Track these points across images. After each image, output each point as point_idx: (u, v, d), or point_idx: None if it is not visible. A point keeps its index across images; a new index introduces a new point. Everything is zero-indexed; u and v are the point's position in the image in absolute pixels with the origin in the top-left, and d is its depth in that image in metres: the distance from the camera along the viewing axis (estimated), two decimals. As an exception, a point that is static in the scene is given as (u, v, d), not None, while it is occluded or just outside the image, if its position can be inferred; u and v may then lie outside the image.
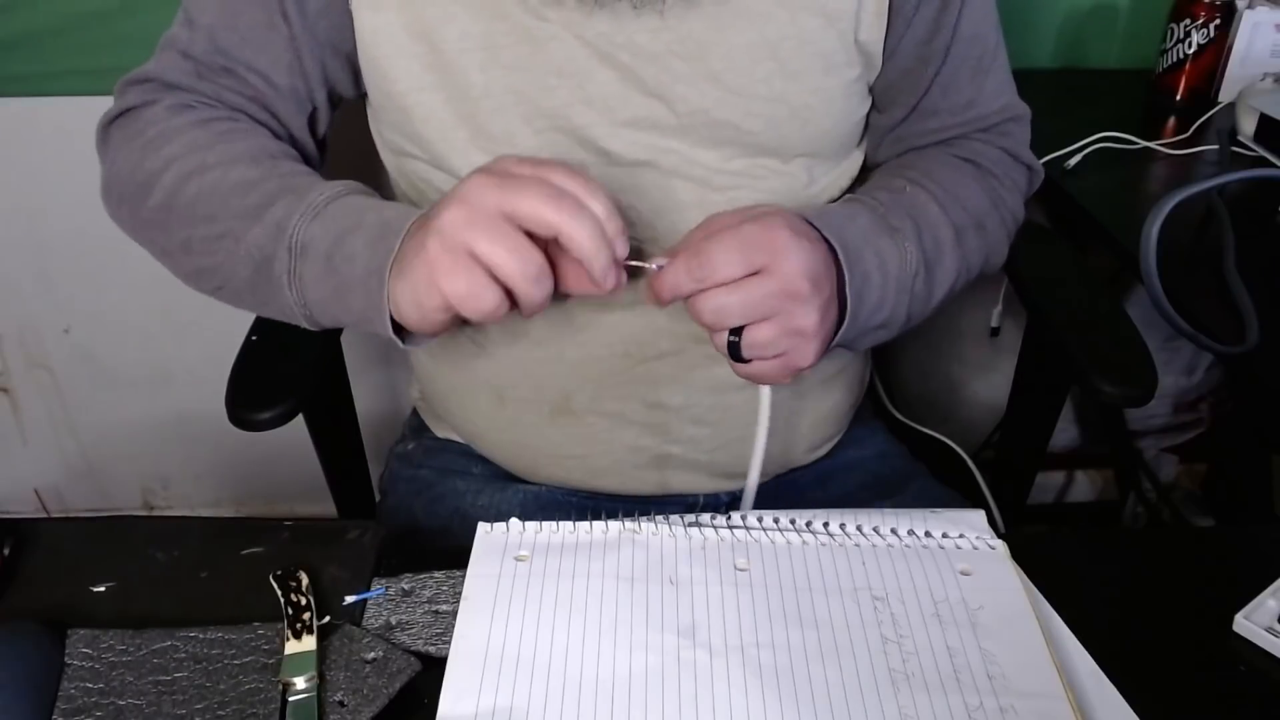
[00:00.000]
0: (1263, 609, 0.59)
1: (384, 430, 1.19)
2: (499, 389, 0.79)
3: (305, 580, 0.58)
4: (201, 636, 0.56)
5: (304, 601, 0.57)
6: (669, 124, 0.69)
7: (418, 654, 0.55)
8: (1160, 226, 0.90)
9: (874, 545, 0.62)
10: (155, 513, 1.65)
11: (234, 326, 0.83)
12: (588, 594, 0.57)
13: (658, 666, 0.54)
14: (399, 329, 0.62)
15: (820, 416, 0.84)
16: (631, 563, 0.60)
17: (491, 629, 0.55)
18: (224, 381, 0.80)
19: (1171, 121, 1.20)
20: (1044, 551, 0.64)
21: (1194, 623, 0.59)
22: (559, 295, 0.60)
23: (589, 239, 0.56)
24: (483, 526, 0.62)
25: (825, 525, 0.63)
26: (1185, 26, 1.20)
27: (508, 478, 0.85)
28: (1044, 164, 0.83)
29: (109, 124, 0.72)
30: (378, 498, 0.94)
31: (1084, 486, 1.63)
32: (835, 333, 0.65)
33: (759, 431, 0.68)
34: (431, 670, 0.54)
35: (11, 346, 1.47)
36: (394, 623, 0.57)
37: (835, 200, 0.75)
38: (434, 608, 0.58)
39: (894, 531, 0.63)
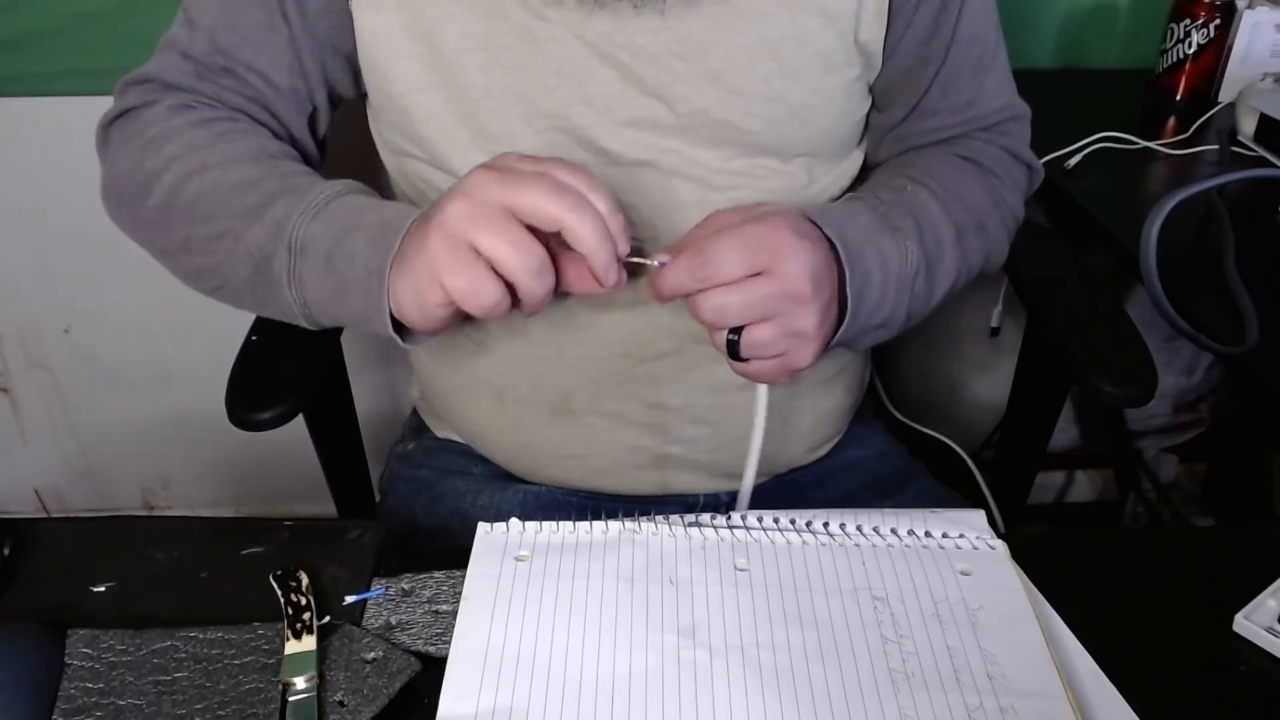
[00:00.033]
0: (1263, 609, 0.59)
1: (384, 430, 1.19)
2: (499, 388, 0.79)
3: (305, 580, 0.58)
4: (201, 636, 0.56)
5: (304, 601, 0.57)
6: (669, 124, 0.69)
7: (418, 654, 0.55)
8: (1160, 226, 0.90)
9: (874, 545, 0.62)
10: (155, 513, 1.65)
11: (234, 326, 0.83)
12: (588, 594, 0.57)
13: (658, 666, 0.54)
14: (399, 328, 0.62)
15: (820, 416, 0.84)
16: (631, 563, 0.60)
17: (491, 629, 0.55)
18: (224, 381, 0.80)
19: (1171, 121, 1.20)
20: (1044, 551, 0.64)
21: (1194, 623, 0.59)
22: (559, 295, 0.60)
23: (592, 233, 0.56)
24: (483, 526, 0.62)
25: (825, 525, 0.63)
26: (1185, 26, 1.20)
27: (508, 478, 0.85)
28: (1044, 164, 0.83)
29: (109, 124, 0.72)
30: (378, 498, 0.94)
31: (1084, 486, 1.63)
32: (835, 332, 0.65)
33: (755, 430, 0.68)
34: (431, 670, 0.54)
35: (11, 346, 1.47)
36: (394, 623, 0.57)
37: (836, 199, 0.75)
38: (434, 608, 0.58)
39: (894, 531, 0.63)
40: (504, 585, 0.58)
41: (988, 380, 1.41)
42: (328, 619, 0.57)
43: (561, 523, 0.62)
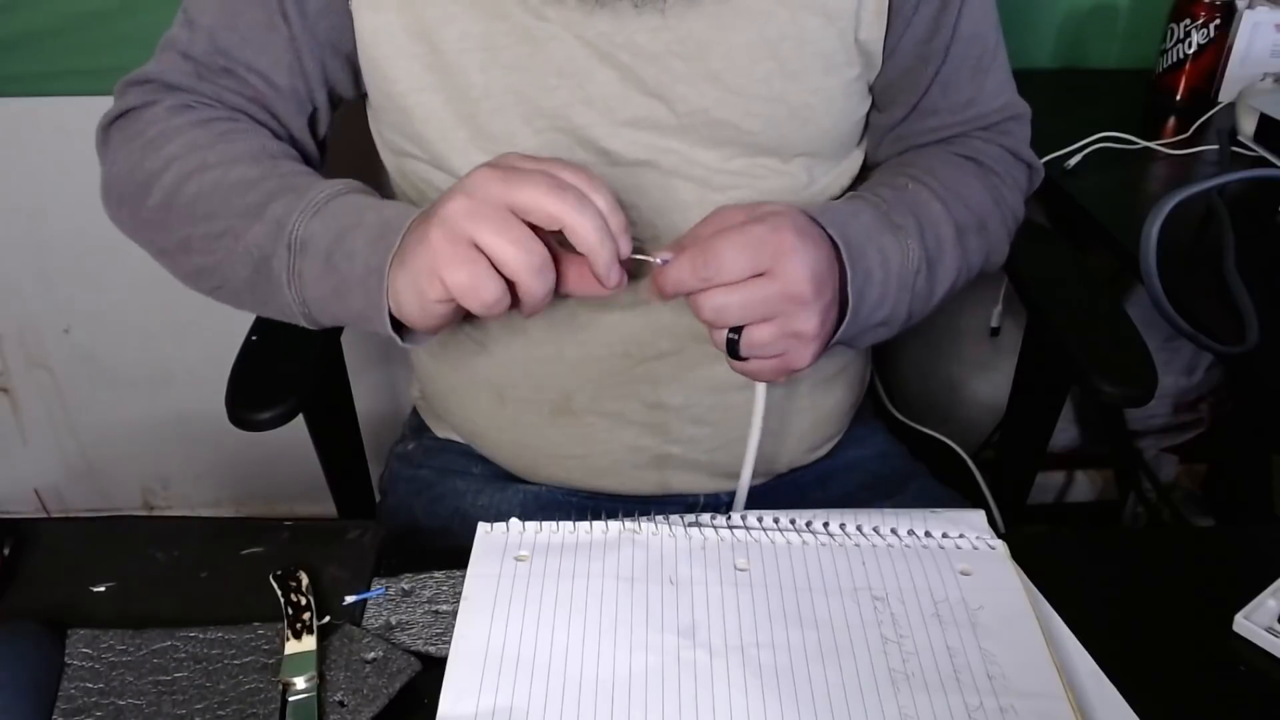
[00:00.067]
0: (1263, 609, 0.59)
1: (384, 430, 1.19)
2: (499, 388, 0.79)
3: (305, 580, 0.58)
4: (201, 636, 0.56)
5: (304, 601, 0.57)
6: (669, 124, 0.69)
7: (418, 654, 0.55)
8: (1160, 226, 0.90)
9: (874, 545, 0.62)
10: (155, 513, 1.65)
11: (234, 326, 0.83)
12: (588, 594, 0.57)
13: (658, 666, 0.54)
14: (399, 328, 0.62)
15: (820, 416, 0.84)
16: (631, 563, 0.60)
17: (491, 629, 0.55)
18: (224, 381, 0.80)
19: (1171, 121, 1.20)
20: (1044, 551, 0.64)
21: (1194, 623, 0.59)
22: (559, 295, 0.60)
23: (593, 231, 0.56)
24: (483, 526, 0.62)
25: (825, 525, 0.63)
26: (1185, 26, 1.20)
27: (508, 478, 0.85)
28: (1044, 164, 0.83)
29: (109, 125, 0.72)
30: (378, 498, 0.94)
31: (1084, 486, 1.63)
32: (835, 331, 0.65)
33: (753, 429, 0.68)
34: (431, 670, 0.54)
35: (11, 346, 1.47)
36: (394, 623, 0.57)
37: (836, 199, 0.75)
38: (434, 608, 0.58)
39: (894, 531, 0.63)
40: (504, 585, 0.58)
41: (988, 380, 1.41)
42: (328, 619, 0.57)
43: (561, 523, 0.62)
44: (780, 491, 0.85)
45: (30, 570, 0.61)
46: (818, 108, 0.70)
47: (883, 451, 0.91)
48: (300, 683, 0.53)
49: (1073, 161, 1.10)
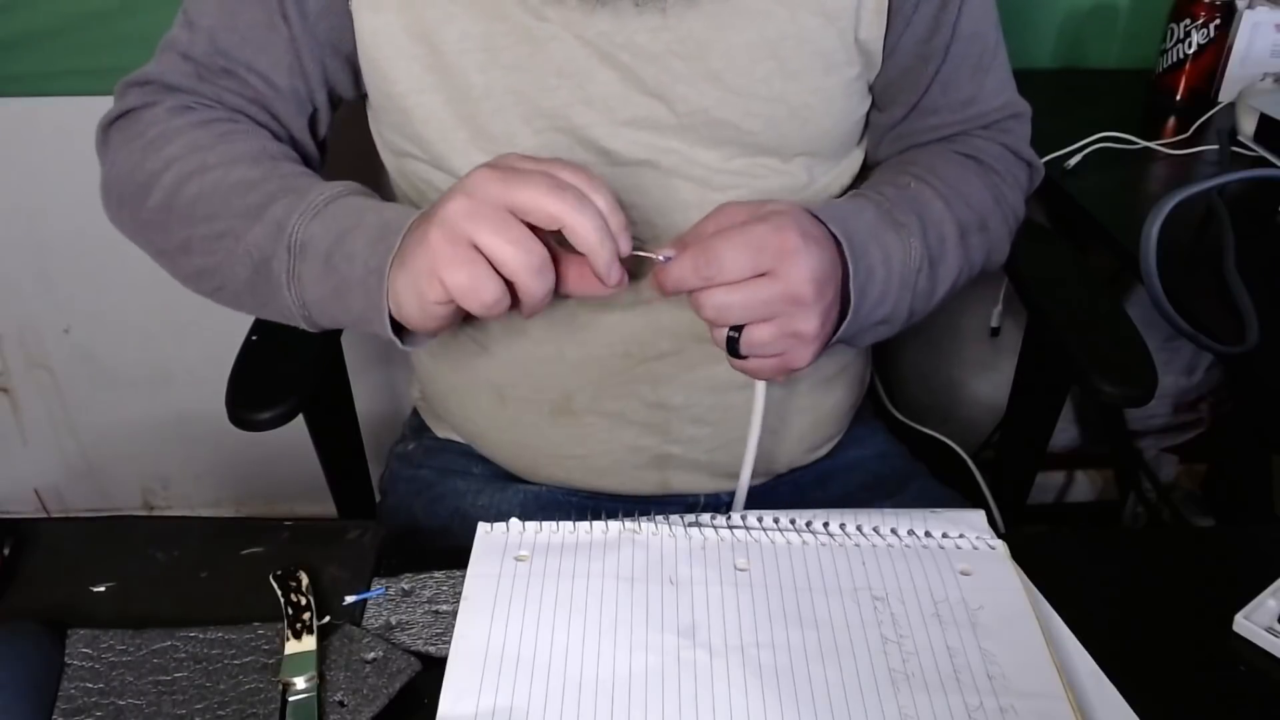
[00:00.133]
0: (1263, 609, 0.59)
1: (384, 430, 1.19)
2: (500, 389, 0.79)
3: (305, 580, 0.58)
4: (201, 636, 0.56)
5: (304, 601, 0.57)
6: (669, 124, 0.69)
7: (418, 654, 0.55)
8: (1160, 226, 0.90)
9: (874, 545, 0.62)
10: (155, 513, 1.65)
11: (234, 326, 0.83)
12: (588, 594, 0.57)
13: (658, 666, 0.54)
14: (398, 329, 0.62)
15: (820, 416, 0.84)
16: (631, 563, 0.60)
17: (491, 629, 0.55)
18: (224, 381, 0.80)
19: (1171, 121, 1.20)
20: (1044, 551, 0.64)
21: (1194, 623, 0.59)
22: (559, 296, 0.60)
23: (593, 230, 0.56)
24: (483, 526, 0.62)
25: (825, 525, 0.63)
26: (1185, 26, 1.20)
27: (508, 478, 0.85)
28: (1044, 164, 0.83)
29: (109, 126, 0.72)
30: (378, 498, 0.94)
31: (1084, 486, 1.63)
32: (836, 330, 0.65)
33: (753, 427, 0.68)
34: (431, 670, 0.54)
35: (11, 346, 1.47)
36: (394, 623, 0.57)
37: (836, 198, 0.75)
38: (434, 608, 0.58)
39: (894, 531, 0.63)
40: (504, 585, 0.58)
41: (988, 380, 1.41)
42: (328, 619, 0.57)
43: (561, 523, 0.62)
44: (780, 491, 0.85)
45: (30, 570, 0.61)
46: (818, 107, 0.70)
47: (883, 451, 0.91)
48: (300, 683, 0.53)
49: (1073, 161, 1.09)
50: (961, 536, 0.63)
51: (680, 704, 0.52)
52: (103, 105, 0.72)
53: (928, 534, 0.63)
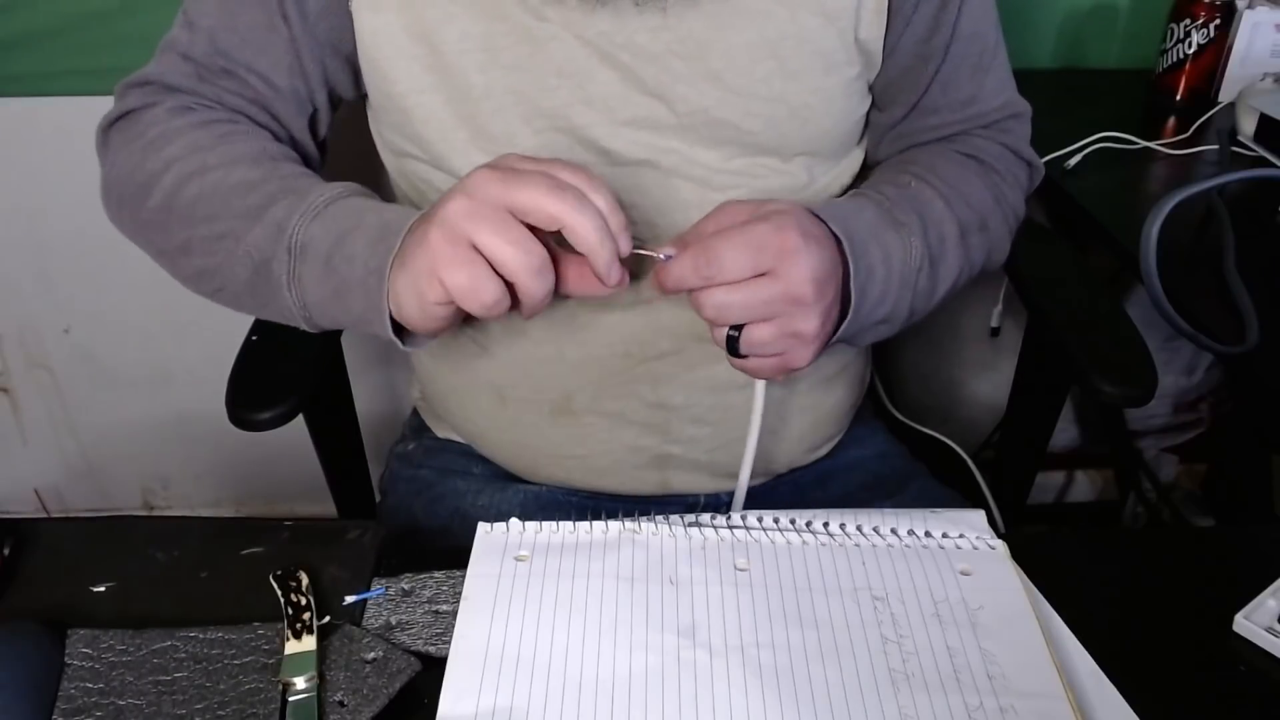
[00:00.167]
0: (1263, 609, 0.59)
1: (384, 430, 1.19)
2: (500, 389, 0.79)
3: (305, 580, 0.58)
4: (201, 636, 0.56)
5: (304, 601, 0.57)
6: (669, 124, 0.69)
7: (418, 654, 0.55)
8: (1160, 226, 0.90)
9: (874, 545, 0.62)
10: (155, 513, 1.65)
11: (234, 326, 0.83)
12: (588, 594, 0.57)
13: (658, 666, 0.54)
14: (399, 330, 0.62)
15: (820, 416, 0.84)
16: (631, 563, 0.60)
17: (491, 629, 0.55)
18: (224, 381, 0.80)
19: (1171, 121, 1.20)
20: (1044, 551, 0.64)
21: (1194, 623, 0.59)
22: (559, 296, 0.60)
23: (593, 230, 0.56)
24: (483, 526, 0.62)
25: (825, 525, 0.63)
26: (1185, 26, 1.20)
27: (508, 478, 0.85)
28: (1044, 164, 0.83)
29: (109, 126, 0.72)
30: (378, 498, 0.94)
31: (1084, 486, 1.63)
32: (836, 329, 0.65)
33: (752, 428, 0.68)
34: (431, 670, 0.54)
35: (11, 346, 1.47)
36: (394, 623, 0.57)
37: (837, 198, 0.75)
38: (434, 608, 0.58)
39: (894, 531, 0.63)
40: (504, 585, 0.58)
41: (988, 380, 1.41)
42: (328, 619, 0.57)
43: (561, 523, 0.62)
44: (780, 491, 0.85)
45: (30, 570, 0.61)
46: (818, 107, 0.70)
47: (883, 451, 0.91)
48: (300, 683, 0.53)
49: (1073, 161, 1.09)
50: (961, 536, 0.63)
51: (680, 704, 0.52)
52: (103, 105, 0.72)
53: (928, 534, 0.63)
